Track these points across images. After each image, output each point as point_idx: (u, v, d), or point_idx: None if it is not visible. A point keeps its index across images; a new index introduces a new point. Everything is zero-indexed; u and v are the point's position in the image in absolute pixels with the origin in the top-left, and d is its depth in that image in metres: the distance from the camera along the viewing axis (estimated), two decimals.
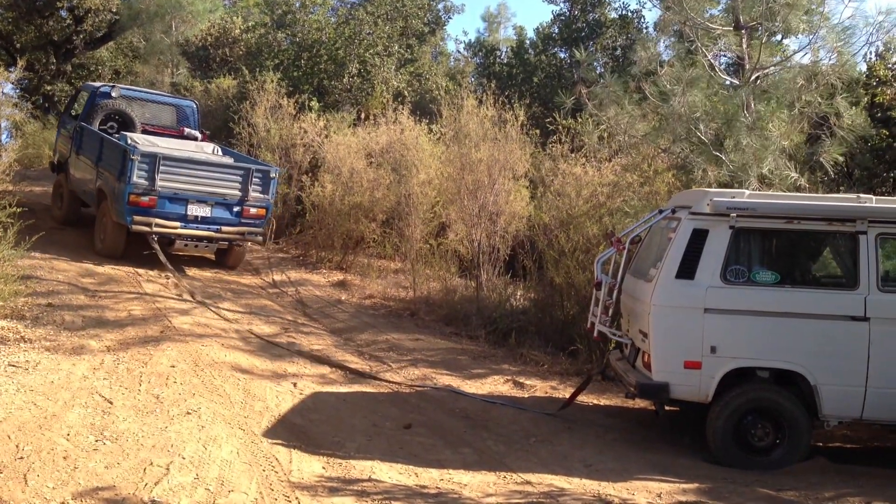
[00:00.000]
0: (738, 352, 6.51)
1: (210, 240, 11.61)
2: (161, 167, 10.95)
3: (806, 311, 6.45)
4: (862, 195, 7.01)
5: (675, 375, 6.52)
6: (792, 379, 6.49)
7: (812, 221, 6.60)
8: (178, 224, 11.19)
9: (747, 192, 7.05)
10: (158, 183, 10.93)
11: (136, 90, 14.62)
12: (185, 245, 11.49)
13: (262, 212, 11.83)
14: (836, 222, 6.56)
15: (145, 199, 10.84)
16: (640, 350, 6.90)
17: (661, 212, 7.39)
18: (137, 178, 10.79)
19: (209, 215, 11.42)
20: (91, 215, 12.52)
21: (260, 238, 12.06)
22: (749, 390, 6.53)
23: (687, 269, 6.55)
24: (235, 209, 11.59)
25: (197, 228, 11.38)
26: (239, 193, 11.58)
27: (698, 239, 6.59)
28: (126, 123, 12.91)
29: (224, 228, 11.55)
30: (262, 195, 11.77)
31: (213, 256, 12.39)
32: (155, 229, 10.98)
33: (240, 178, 11.62)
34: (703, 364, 6.47)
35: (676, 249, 6.62)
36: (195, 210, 11.31)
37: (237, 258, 12.50)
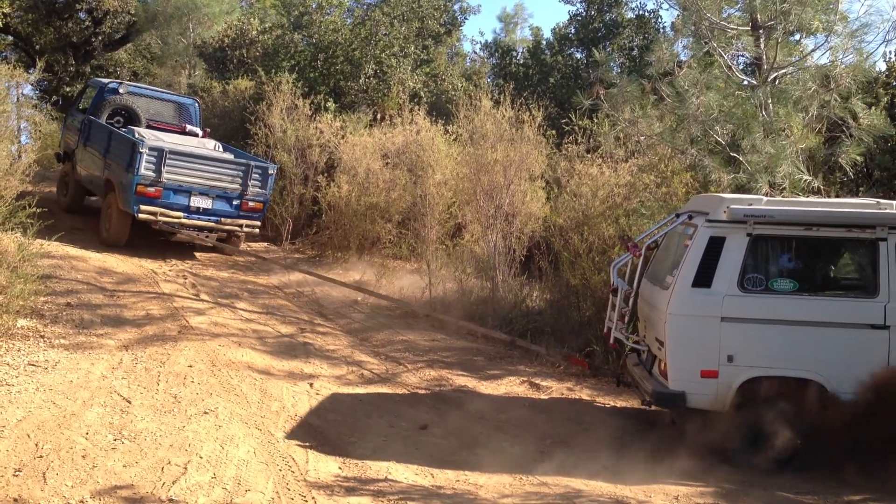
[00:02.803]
0: (755, 361, 6.43)
1: (210, 230, 12.32)
2: (167, 160, 11.63)
3: (825, 320, 6.37)
4: (882, 201, 6.89)
5: (692, 384, 6.47)
6: (811, 388, 6.38)
7: (831, 228, 6.51)
8: (181, 214, 11.90)
9: (765, 198, 6.96)
10: (164, 175, 11.60)
11: (141, 87, 15.27)
12: (187, 235, 12.27)
13: (260, 206, 12.62)
14: (856, 229, 6.47)
15: (151, 189, 11.53)
16: (657, 357, 6.85)
17: (678, 216, 7.33)
18: (145, 169, 11.46)
19: (210, 207, 12.15)
20: (93, 206, 13.24)
21: (257, 230, 12.85)
22: (768, 400, 6.42)
23: (704, 277, 6.49)
24: (235, 202, 12.34)
25: (199, 219, 12.09)
26: (239, 188, 12.33)
27: (715, 247, 6.51)
28: (132, 118, 13.49)
29: (224, 220, 12.29)
30: (260, 190, 12.53)
31: (212, 244, 12.83)
32: (160, 218, 11.68)
33: (240, 174, 12.36)
34: (720, 373, 6.42)
35: (693, 257, 6.55)
36: (197, 202, 12.02)
37: (233, 248, 13.12)
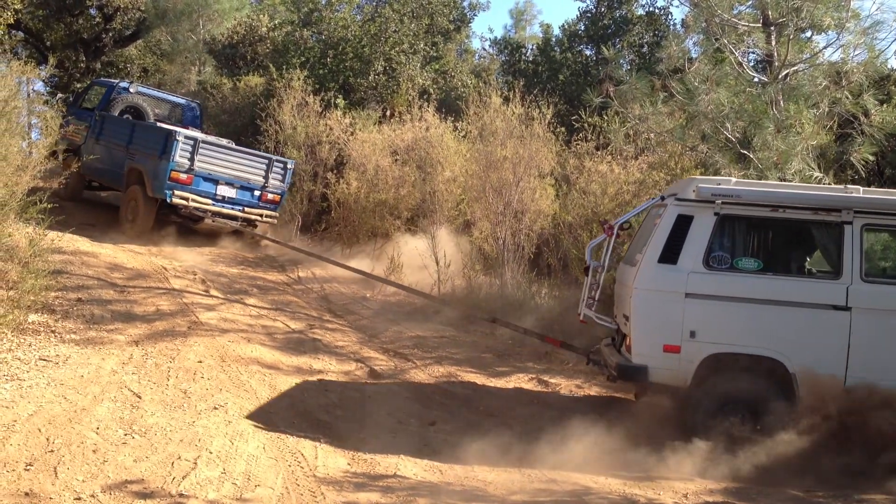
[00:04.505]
0: (717, 337, 6.50)
1: (234, 218, 13.04)
2: (200, 149, 12.31)
3: (787, 299, 6.43)
4: (850, 185, 7.01)
5: (655, 359, 6.55)
6: (771, 366, 6.44)
7: (797, 210, 6.57)
8: (209, 201, 12.65)
9: (734, 179, 7.06)
10: (197, 163, 12.37)
11: (149, 88, 16.25)
12: (213, 221, 12.87)
13: (278, 198, 13.51)
14: (822, 212, 6.53)
15: (184, 176, 12.29)
16: (625, 335, 6.94)
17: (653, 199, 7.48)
18: (180, 157, 12.19)
19: (235, 197, 12.98)
20: (95, 199, 13.96)
21: (275, 221, 13.64)
22: (728, 377, 6.49)
23: (670, 253, 6.59)
24: (256, 193, 13.19)
25: (224, 207, 12.86)
26: (262, 180, 13.19)
27: (683, 224, 6.61)
28: (140, 116, 14.25)
29: (246, 209, 13.12)
30: (280, 183, 13.43)
31: (239, 227, 13.34)
32: (191, 204, 12.40)
33: (263, 167, 13.22)
34: (683, 348, 6.48)
35: (661, 234, 6.67)
36: (223, 191, 12.83)
37: (247, 236, 13.81)
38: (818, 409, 6.19)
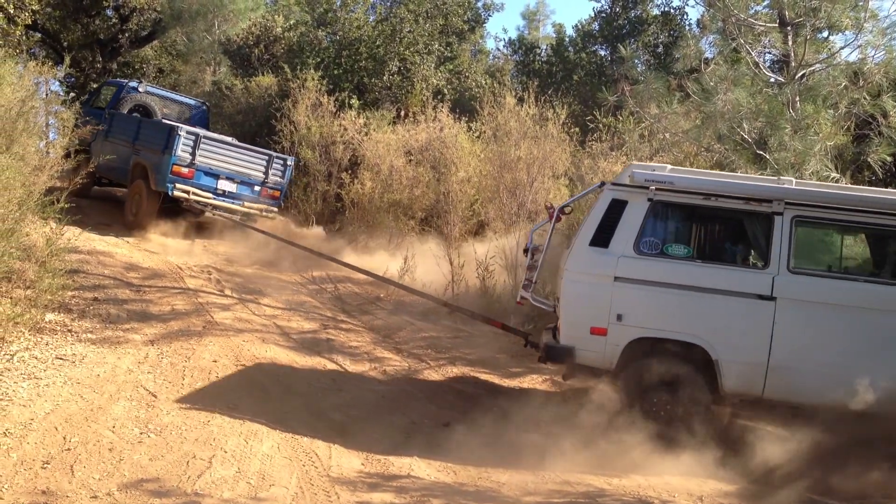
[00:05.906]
0: (643, 322, 6.55)
1: (234, 212, 13.27)
2: (201, 144, 12.75)
3: (714, 287, 6.45)
4: (783, 177, 7.08)
5: (581, 341, 6.63)
6: (695, 352, 6.46)
7: (730, 199, 6.59)
8: (210, 195, 12.96)
9: (668, 167, 7.10)
10: (198, 157, 12.71)
11: (158, 88, 16.68)
12: (213, 214, 13.09)
13: (278, 193, 13.82)
14: (754, 202, 6.55)
15: (186, 170, 12.61)
16: (559, 317, 6.99)
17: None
18: (181, 151, 12.52)
19: (235, 191, 13.29)
20: (107, 196, 14.44)
21: (274, 216, 13.76)
22: (652, 361, 6.52)
23: (602, 237, 6.65)
24: (256, 188, 13.50)
25: (224, 201, 13.18)
26: (262, 175, 13.50)
27: (616, 209, 6.67)
28: (148, 114, 14.71)
29: (246, 203, 13.38)
30: (279, 179, 13.73)
31: (238, 220, 13.58)
32: (192, 197, 12.71)
33: (263, 163, 13.54)
34: (609, 331, 6.55)
35: (594, 218, 6.75)
36: (224, 185, 13.12)
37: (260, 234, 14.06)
38: (739, 397, 6.29)
